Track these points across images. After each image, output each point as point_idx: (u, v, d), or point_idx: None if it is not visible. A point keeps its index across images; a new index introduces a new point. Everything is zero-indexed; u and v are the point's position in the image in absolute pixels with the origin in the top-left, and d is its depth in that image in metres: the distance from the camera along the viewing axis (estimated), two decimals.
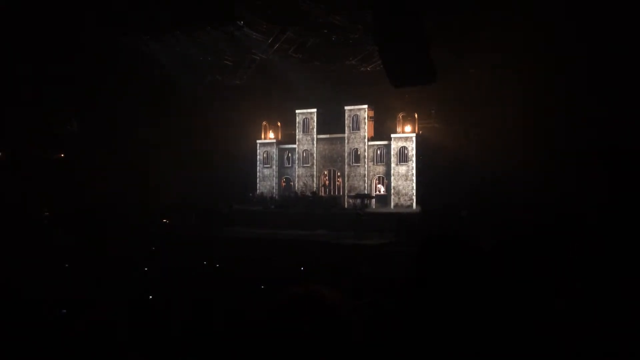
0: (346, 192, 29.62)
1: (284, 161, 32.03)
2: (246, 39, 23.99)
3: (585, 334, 2.32)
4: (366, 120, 29.37)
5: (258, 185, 32.13)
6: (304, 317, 1.59)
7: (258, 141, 32.43)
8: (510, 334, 2.13)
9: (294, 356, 1.54)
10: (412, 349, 2.09)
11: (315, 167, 30.75)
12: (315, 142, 30.73)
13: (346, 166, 29.91)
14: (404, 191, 28.26)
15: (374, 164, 29.43)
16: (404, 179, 28.28)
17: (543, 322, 2.28)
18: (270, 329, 1.60)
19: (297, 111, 31.04)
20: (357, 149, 29.74)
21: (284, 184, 32.03)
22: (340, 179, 30.33)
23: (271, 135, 32.39)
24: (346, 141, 29.91)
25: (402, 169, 28.32)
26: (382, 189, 29.06)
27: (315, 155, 30.74)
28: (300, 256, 14.74)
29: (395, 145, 28.53)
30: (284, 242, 20.19)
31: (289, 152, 31.87)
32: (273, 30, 23.04)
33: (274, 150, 32.05)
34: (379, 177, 29.34)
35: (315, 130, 30.73)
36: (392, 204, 28.24)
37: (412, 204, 27.78)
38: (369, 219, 24.02)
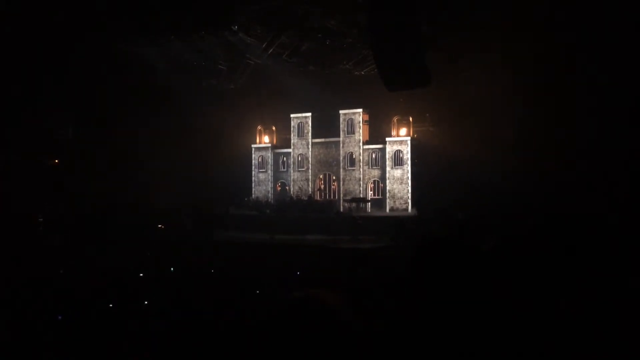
0: (342, 196, 29.64)
1: (279, 165, 32.02)
2: (241, 43, 23.99)
3: (586, 335, 2.32)
4: (361, 124, 29.43)
5: (253, 189, 32.10)
6: (306, 322, 1.59)
7: (253, 145, 32.41)
8: (509, 335, 2.13)
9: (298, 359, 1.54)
10: (412, 352, 2.08)
11: (310, 171, 30.75)
12: (310, 146, 30.75)
13: (341, 170, 29.93)
14: (399, 194, 28.30)
15: (369, 168, 29.46)
16: (399, 183, 28.32)
17: (542, 323, 2.29)
18: (272, 333, 1.60)
19: (291, 115, 31.05)
20: (352, 152, 29.77)
21: (279, 188, 32.00)
22: (335, 183, 30.35)
23: (266, 139, 32.38)
24: (341, 145, 29.94)
25: (397, 172, 28.35)
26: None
27: (310, 159, 30.74)
28: (296, 260, 14.72)
29: (390, 149, 28.58)
30: (279, 247, 20.17)
31: (284, 156, 31.87)
32: (267, 35, 23.04)
33: (269, 155, 32.04)
34: (374, 180, 29.38)
35: (310, 134, 30.75)
36: (388, 208, 28.27)
37: (407, 207, 27.83)
38: (365, 223, 24.03)
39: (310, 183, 30.66)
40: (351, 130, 29.72)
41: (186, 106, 27.19)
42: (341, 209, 28.84)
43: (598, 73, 17.51)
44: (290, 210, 28.03)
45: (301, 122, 31.03)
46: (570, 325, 2.34)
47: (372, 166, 29.42)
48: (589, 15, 16.25)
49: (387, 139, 28.63)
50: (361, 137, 29.43)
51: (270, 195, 31.58)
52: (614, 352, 2.24)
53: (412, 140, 28.15)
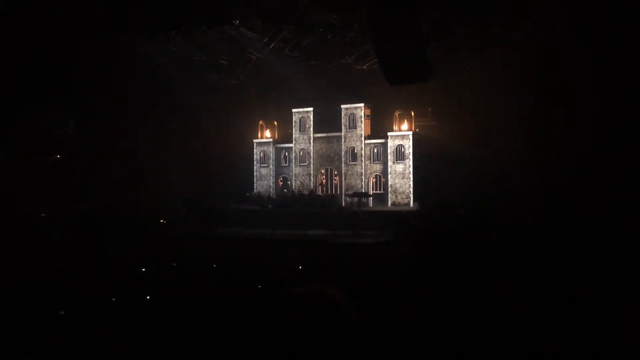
0: (343, 190, 29.63)
1: (281, 160, 32.00)
2: (242, 38, 23.98)
3: (586, 332, 2.31)
4: (362, 119, 29.36)
5: (255, 184, 32.10)
6: (307, 318, 1.58)
7: (255, 140, 32.39)
8: (510, 333, 2.13)
9: (299, 357, 1.53)
10: (414, 347, 2.08)
11: (312, 166, 30.74)
12: (312, 141, 30.71)
13: (343, 165, 29.91)
14: (401, 189, 28.28)
15: (370, 162, 29.44)
16: (401, 177, 28.29)
17: (544, 319, 2.28)
18: (273, 329, 1.59)
19: (293, 110, 31.01)
20: (353, 147, 29.74)
21: (281, 183, 32.01)
22: (337, 178, 30.33)
23: (268, 134, 32.35)
24: (343, 140, 29.90)
25: (399, 167, 28.32)
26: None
27: (312, 154, 30.72)
28: (298, 255, 14.74)
29: (392, 144, 28.54)
30: (281, 242, 20.19)
31: (285, 151, 31.85)
32: (269, 30, 23.02)
33: (270, 150, 32.02)
34: (376, 175, 29.37)
35: (311, 129, 30.71)
36: (390, 202, 28.26)
37: (409, 201, 27.81)
38: (367, 218, 24.03)
39: (312, 178, 30.65)
40: (353, 125, 29.68)
41: (187, 102, 27.18)
42: (343, 204, 28.85)
43: (598, 73, 17.45)
44: (292, 205, 28.06)
45: (303, 117, 30.99)
46: (570, 324, 2.33)
47: (373, 161, 29.39)
48: (589, 15, 16.19)
49: (389, 133, 28.59)
50: (363, 132, 29.38)
51: (272, 190, 31.59)
52: (614, 351, 2.23)
53: (413, 134, 28.10)
